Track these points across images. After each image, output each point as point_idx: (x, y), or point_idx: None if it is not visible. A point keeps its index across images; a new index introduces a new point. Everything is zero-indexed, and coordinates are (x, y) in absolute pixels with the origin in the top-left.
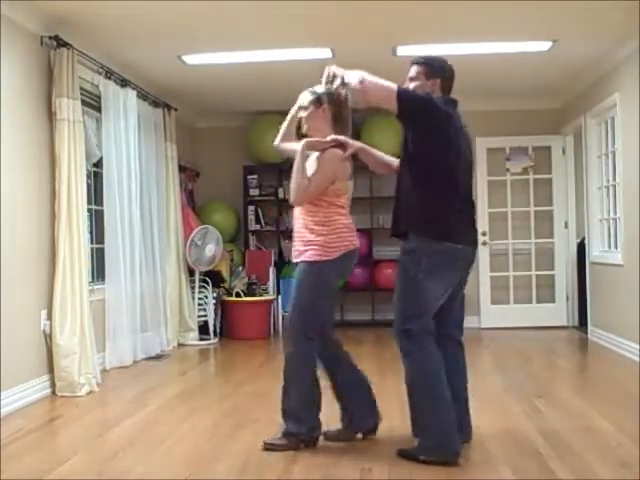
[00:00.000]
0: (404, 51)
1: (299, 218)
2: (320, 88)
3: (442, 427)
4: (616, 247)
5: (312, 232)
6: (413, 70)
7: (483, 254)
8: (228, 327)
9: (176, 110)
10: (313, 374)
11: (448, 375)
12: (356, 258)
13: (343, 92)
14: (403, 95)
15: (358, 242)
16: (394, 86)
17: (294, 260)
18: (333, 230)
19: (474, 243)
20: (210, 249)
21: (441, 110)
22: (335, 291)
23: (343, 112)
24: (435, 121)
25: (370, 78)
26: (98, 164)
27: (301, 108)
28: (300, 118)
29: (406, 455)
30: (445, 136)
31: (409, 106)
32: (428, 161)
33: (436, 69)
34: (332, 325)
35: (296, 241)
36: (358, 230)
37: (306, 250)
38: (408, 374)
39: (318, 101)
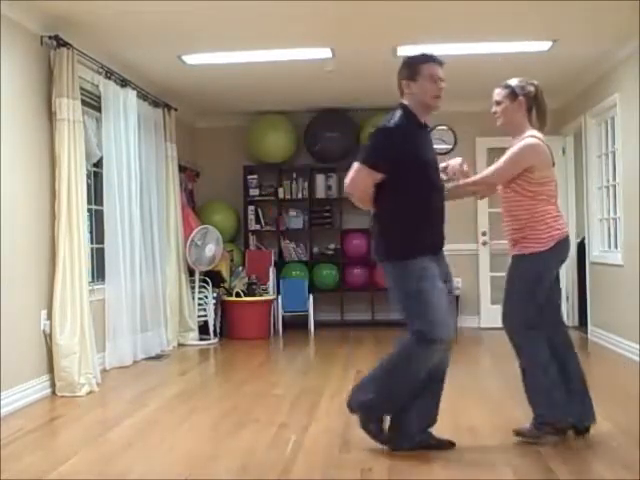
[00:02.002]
0: (404, 51)
1: (507, 211)
2: (513, 81)
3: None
4: (616, 247)
5: (521, 224)
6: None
7: (483, 254)
8: (228, 327)
9: (176, 110)
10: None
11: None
12: (569, 245)
13: (536, 84)
14: None
15: (567, 229)
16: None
17: (510, 253)
18: (542, 220)
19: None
20: (210, 249)
21: None
22: (552, 279)
23: (538, 104)
24: None
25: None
26: (98, 164)
27: (495, 103)
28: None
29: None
30: None
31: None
32: None
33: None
34: (559, 313)
35: (507, 234)
36: (357, 230)
37: (519, 243)
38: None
39: (513, 94)
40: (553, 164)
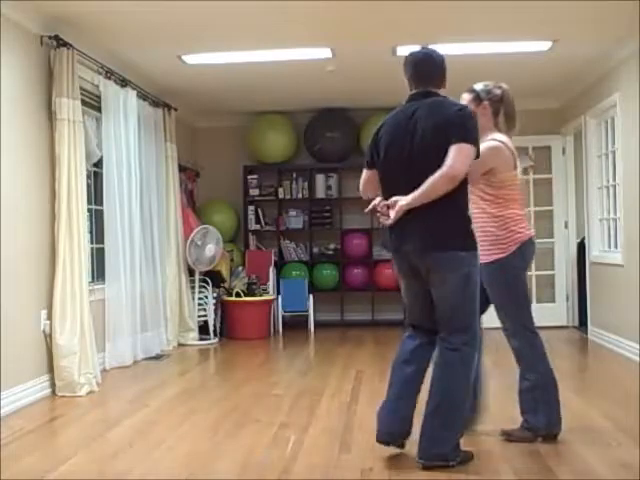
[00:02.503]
0: (404, 51)
1: (475, 217)
2: (479, 85)
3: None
4: (616, 247)
5: (484, 230)
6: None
7: None
8: (228, 327)
9: (176, 110)
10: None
11: None
12: (534, 246)
13: (504, 87)
14: None
15: (531, 230)
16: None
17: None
18: (502, 224)
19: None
20: (210, 249)
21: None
22: (524, 279)
23: (504, 108)
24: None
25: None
26: (98, 164)
27: None
28: None
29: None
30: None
31: None
32: None
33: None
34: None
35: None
36: (357, 230)
37: (484, 250)
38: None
39: (477, 98)
40: (515, 167)
